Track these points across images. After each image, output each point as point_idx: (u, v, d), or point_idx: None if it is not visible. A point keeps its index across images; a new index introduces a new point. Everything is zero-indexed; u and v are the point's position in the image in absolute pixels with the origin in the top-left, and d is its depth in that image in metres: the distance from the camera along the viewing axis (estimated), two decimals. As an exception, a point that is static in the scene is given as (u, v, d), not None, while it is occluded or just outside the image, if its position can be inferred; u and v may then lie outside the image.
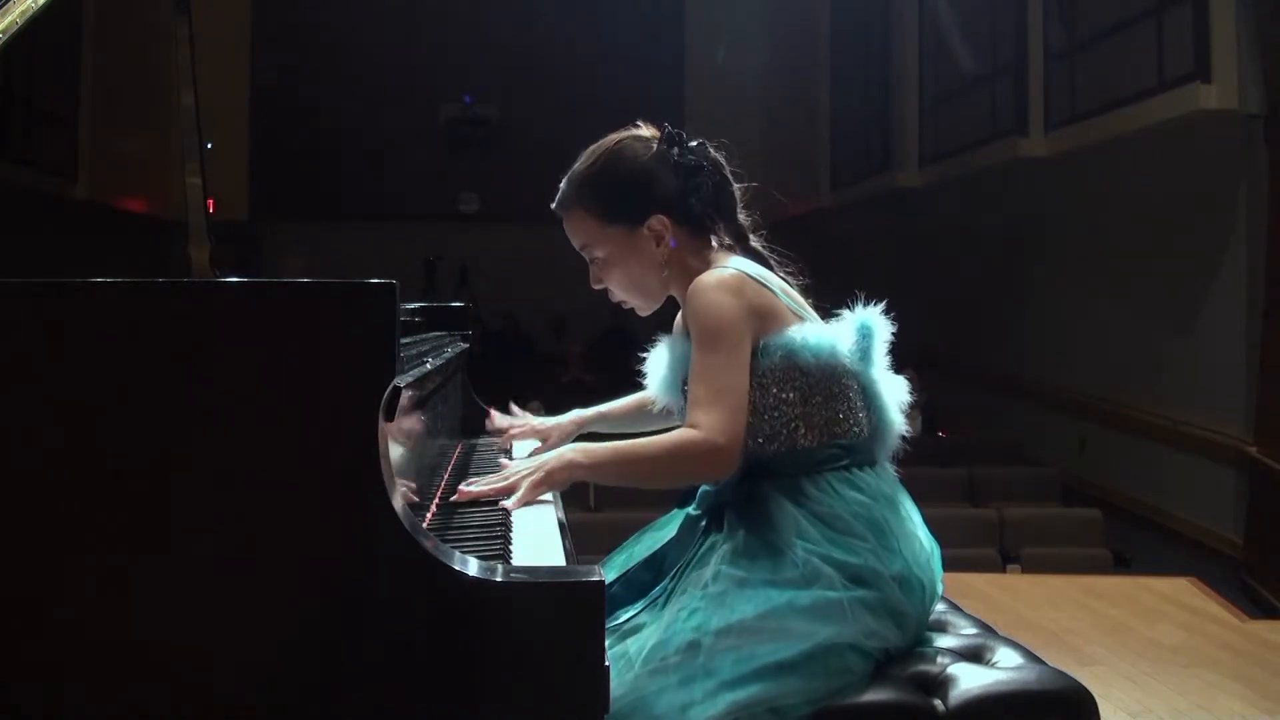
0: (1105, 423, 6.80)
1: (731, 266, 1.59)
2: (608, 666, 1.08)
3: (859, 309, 1.62)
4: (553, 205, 1.72)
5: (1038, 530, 5.15)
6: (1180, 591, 3.96)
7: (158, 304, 1.09)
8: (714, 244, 1.70)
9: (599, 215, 1.67)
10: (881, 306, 1.62)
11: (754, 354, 1.53)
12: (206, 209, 1.84)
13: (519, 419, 2.10)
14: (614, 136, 1.72)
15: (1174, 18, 5.87)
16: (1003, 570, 4.80)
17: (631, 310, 1.77)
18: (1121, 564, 5.11)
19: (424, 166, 11.72)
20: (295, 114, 11.25)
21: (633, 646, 1.40)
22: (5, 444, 1.06)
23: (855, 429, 1.58)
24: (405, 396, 1.22)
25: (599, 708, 1.07)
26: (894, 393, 1.63)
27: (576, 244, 1.73)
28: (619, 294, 1.73)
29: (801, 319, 1.59)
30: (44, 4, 1.47)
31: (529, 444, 2.04)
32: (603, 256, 1.70)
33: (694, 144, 1.69)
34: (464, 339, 2.30)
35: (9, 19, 1.44)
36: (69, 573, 1.06)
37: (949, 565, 1.59)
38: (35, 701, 1.06)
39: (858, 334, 1.59)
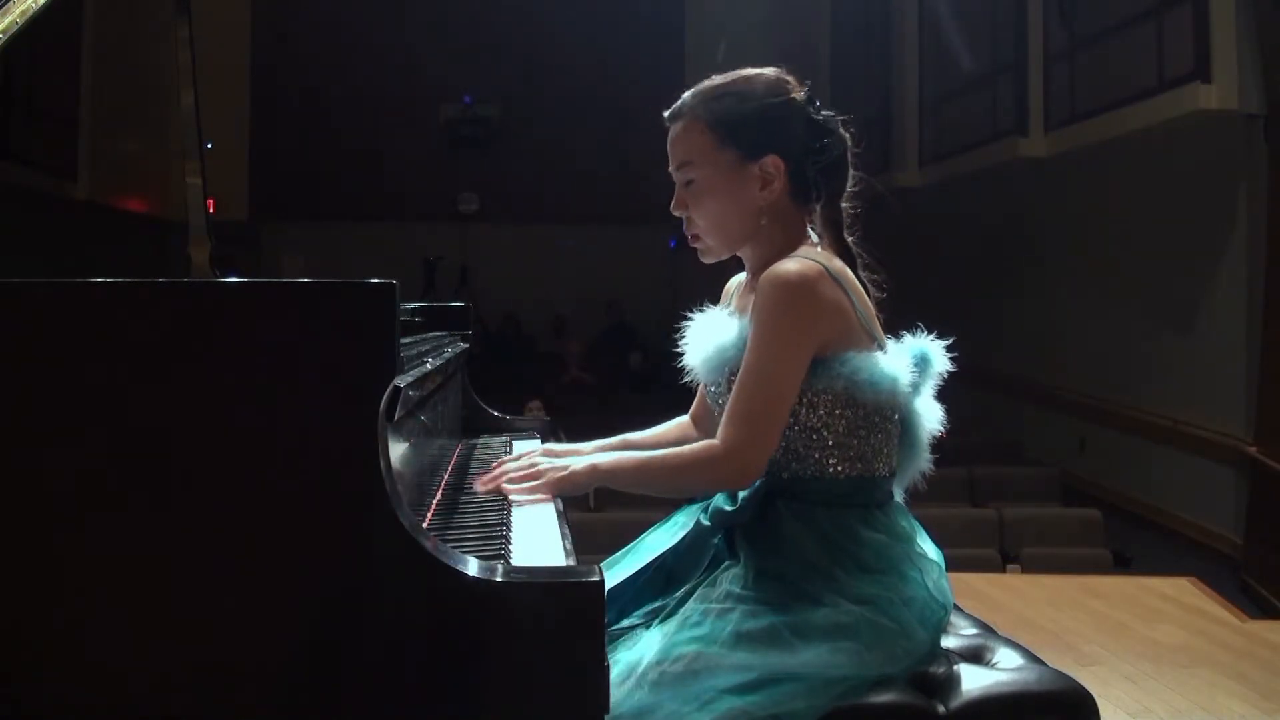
0: (1105, 423, 6.80)
1: (812, 258, 1.49)
2: (608, 666, 1.08)
3: (919, 337, 1.57)
4: (665, 113, 1.59)
5: (1038, 530, 5.16)
6: (1180, 591, 3.96)
7: (157, 304, 1.09)
8: (809, 227, 1.60)
9: (717, 132, 1.53)
10: (946, 342, 1.56)
11: (813, 367, 1.46)
12: (206, 209, 1.84)
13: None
14: (755, 69, 1.59)
15: (1174, 18, 5.87)
16: (1003, 570, 4.80)
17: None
18: (1121, 564, 5.11)
19: (424, 166, 11.69)
20: (295, 114, 11.22)
21: (634, 656, 1.38)
22: (5, 444, 1.06)
23: (884, 467, 1.53)
24: (405, 397, 1.22)
25: (599, 707, 1.07)
26: (929, 424, 1.58)
27: (675, 160, 1.58)
28: (699, 226, 1.59)
29: (870, 336, 1.51)
30: (44, 4, 1.47)
31: (529, 443, 2.02)
32: (699, 180, 1.55)
33: (829, 113, 1.59)
34: (464, 339, 2.30)
35: (9, 19, 1.44)
36: (69, 573, 1.06)
37: (949, 565, 1.58)
38: (36, 701, 1.06)
39: (914, 364, 1.53)
